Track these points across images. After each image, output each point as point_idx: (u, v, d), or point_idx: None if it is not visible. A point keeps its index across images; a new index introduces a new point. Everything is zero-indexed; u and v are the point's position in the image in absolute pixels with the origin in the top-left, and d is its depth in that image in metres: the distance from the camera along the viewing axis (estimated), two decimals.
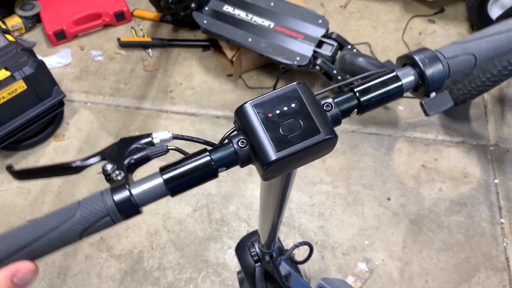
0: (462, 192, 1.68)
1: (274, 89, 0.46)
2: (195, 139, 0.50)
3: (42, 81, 1.64)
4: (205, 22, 1.83)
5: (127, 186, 0.43)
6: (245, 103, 0.44)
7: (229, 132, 0.46)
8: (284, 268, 1.24)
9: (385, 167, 1.75)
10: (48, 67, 1.68)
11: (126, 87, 2.00)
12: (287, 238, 1.58)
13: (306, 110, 0.44)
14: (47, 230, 0.41)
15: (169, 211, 1.64)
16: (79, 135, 1.84)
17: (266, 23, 1.80)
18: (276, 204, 0.68)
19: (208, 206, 1.65)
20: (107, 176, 0.45)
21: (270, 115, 0.43)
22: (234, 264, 1.52)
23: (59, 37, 2.14)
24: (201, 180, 0.44)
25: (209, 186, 1.70)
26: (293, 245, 1.12)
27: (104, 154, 0.48)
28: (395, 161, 1.77)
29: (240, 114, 0.44)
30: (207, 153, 0.44)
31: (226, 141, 0.46)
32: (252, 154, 0.44)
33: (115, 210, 0.42)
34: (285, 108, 0.44)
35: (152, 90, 1.99)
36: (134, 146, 0.48)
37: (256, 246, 1.12)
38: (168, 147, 0.48)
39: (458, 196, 1.67)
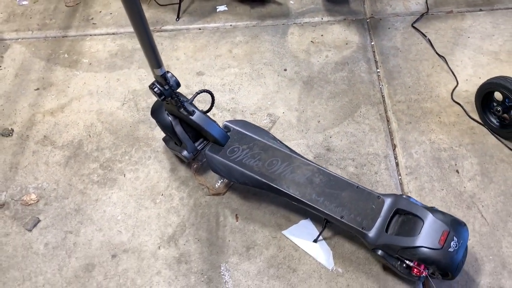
0: (345, 55, 2.02)
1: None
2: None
3: None
4: None
5: None
6: None
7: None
8: (188, 107, 1.52)
9: (281, 47, 2.07)
10: None
11: (51, 22, 2.24)
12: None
13: None
14: None
15: (100, 107, 1.90)
16: (14, 64, 2.07)
17: None
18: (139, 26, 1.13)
19: (135, 99, 1.93)
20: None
21: None
22: (161, 135, 1.80)
23: None
24: None
25: (134, 84, 1.97)
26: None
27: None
28: (289, 42, 2.09)
29: None
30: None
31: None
32: None
33: None
34: None
35: (75, 21, 2.24)
36: None
37: (157, 85, 1.40)
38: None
39: (341, 58, 2.01)
